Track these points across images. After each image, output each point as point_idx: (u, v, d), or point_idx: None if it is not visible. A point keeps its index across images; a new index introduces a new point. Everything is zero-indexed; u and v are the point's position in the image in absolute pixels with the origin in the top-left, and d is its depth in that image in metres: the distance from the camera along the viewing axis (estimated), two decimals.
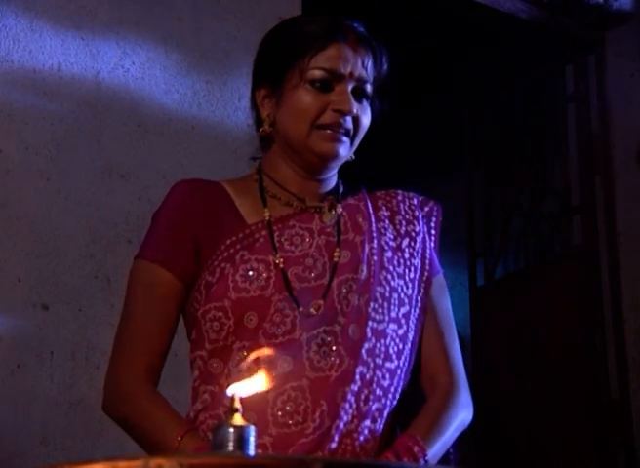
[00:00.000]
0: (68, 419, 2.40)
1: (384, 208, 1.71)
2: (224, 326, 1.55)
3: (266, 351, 1.05)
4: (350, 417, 1.53)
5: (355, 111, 1.61)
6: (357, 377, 1.54)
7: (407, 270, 1.66)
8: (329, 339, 1.55)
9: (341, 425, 1.52)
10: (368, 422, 1.54)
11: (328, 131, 1.60)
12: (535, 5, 3.71)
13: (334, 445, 1.50)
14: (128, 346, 1.58)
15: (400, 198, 1.74)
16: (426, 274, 1.68)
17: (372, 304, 1.59)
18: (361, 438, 1.53)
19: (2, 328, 2.37)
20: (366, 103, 1.64)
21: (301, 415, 1.51)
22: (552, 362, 3.82)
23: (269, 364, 1.52)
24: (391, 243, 1.67)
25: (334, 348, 1.54)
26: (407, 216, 1.71)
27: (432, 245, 1.72)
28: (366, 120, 1.64)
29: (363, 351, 1.55)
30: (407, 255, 1.67)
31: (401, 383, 1.60)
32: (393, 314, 1.60)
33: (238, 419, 0.98)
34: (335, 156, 1.61)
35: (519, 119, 4.29)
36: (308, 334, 1.54)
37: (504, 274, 4.30)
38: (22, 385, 2.36)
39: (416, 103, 4.42)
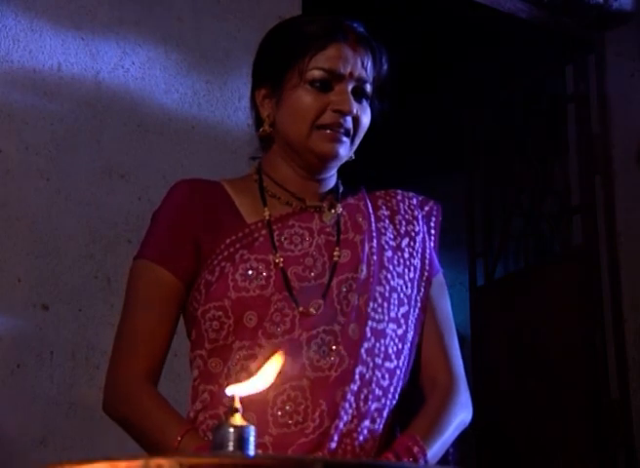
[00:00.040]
0: (68, 419, 2.40)
1: (384, 207, 1.71)
2: (224, 325, 1.55)
3: (279, 359, 1.05)
4: (350, 417, 1.53)
5: (355, 111, 1.61)
6: (357, 377, 1.54)
7: (406, 270, 1.66)
8: (328, 339, 1.55)
9: (341, 425, 1.52)
10: (367, 422, 1.55)
11: (328, 131, 1.60)
12: (535, 5, 3.71)
13: (333, 445, 1.50)
14: (128, 346, 1.58)
15: (400, 198, 1.74)
16: (426, 274, 1.68)
17: (371, 304, 1.59)
18: (361, 438, 1.53)
19: (2, 328, 2.37)
20: (366, 103, 1.64)
21: (301, 415, 1.51)
22: (552, 362, 3.82)
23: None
24: (391, 242, 1.67)
25: (333, 348, 1.54)
26: (407, 216, 1.71)
27: (432, 244, 1.72)
28: (366, 120, 1.64)
29: (362, 351, 1.55)
30: (407, 255, 1.67)
31: (400, 383, 1.60)
32: (393, 314, 1.60)
33: (238, 419, 0.98)
34: (335, 156, 1.62)
35: (519, 119, 4.28)
36: (308, 334, 1.54)
37: (504, 274, 4.30)
38: (22, 385, 2.36)
39: (416, 103, 4.41)
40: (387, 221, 1.69)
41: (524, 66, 4.17)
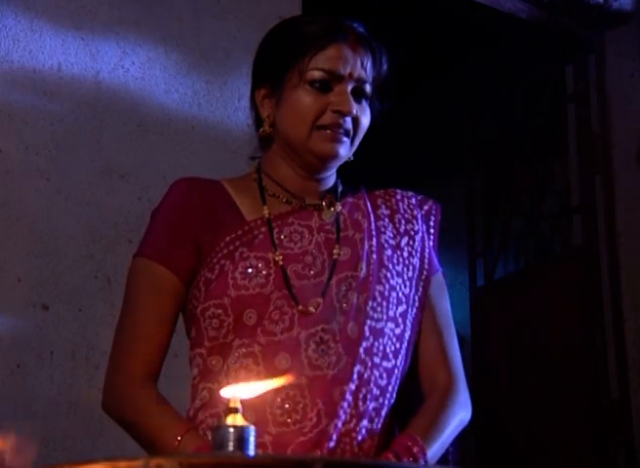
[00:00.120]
0: (68, 419, 2.40)
1: (384, 206, 1.72)
2: (224, 323, 1.56)
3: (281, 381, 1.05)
4: (348, 417, 1.53)
5: (355, 112, 1.61)
6: (355, 376, 1.54)
7: (405, 269, 1.66)
8: (327, 337, 1.55)
9: (340, 424, 1.52)
10: (366, 422, 1.55)
11: (328, 131, 1.60)
12: (535, 5, 3.71)
13: (332, 444, 1.51)
14: (127, 345, 1.58)
15: (399, 197, 1.74)
16: (425, 273, 1.68)
17: (370, 303, 1.59)
18: (359, 437, 1.54)
19: (2, 328, 2.37)
20: (365, 104, 1.64)
21: (300, 414, 1.51)
22: (552, 362, 3.82)
23: (267, 361, 1.53)
24: (391, 241, 1.67)
25: (332, 346, 1.55)
26: (406, 215, 1.71)
27: (431, 244, 1.73)
28: (365, 120, 1.64)
29: (361, 350, 1.56)
30: (406, 254, 1.67)
31: (398, 382, 1.61)
32: (391, 313, 1.61)
33: (238, 419, 0.98)
34: (335, 156, 1.62)
35: (519, 119, 4.28)
36: (307, 332, 1.55)
37: (504, 274, 4.30)
38: (22, 385, 2.36)
39: (416, 103, 4.42)
40: (387, 220, 1.70)
41: (524, 66, 4.17)
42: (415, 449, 1.53)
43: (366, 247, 1.63)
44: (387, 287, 1.61)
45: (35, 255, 2.44)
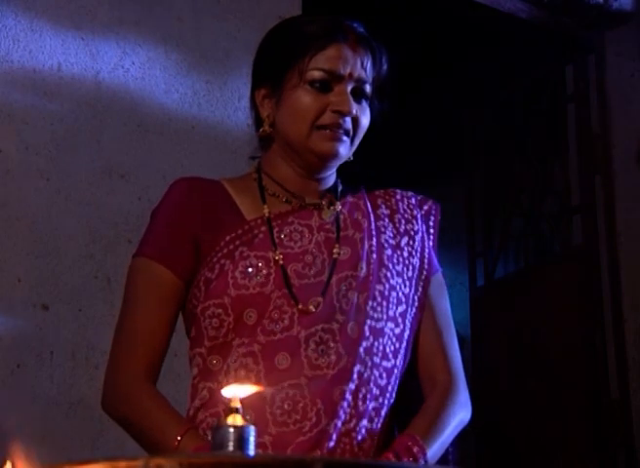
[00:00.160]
0: (68, 419, 2.40)
1: (384, 206, 1.72)
2: (224, 322, 1.56)
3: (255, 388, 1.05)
4: (348, 416, 1.53)
5: (354, 112, 1.61)
6: (355, 376, 1.54)
7: (405, 268, 1.66)
8: (327, 337, 1.55)
9: (339, 424, 1.52)
10: (365, 421, 1.55)
11: (328, 131, 1.60)
12: (535, 5, 3.71)
13: (332, 444, 1.51)
14: (127, 344, 1.58)
15: (399, 197, 1.74)
16: (425, 273, 1.69)
17: (370, 302, 1.59)
18: (359, 437, 1.54)
19: (2, 328, 2.37)
20: (365, 104, 1.64)
21: (299, 414, 1.51)
22: (552, 362, 3.82)
23: (267, 360, 1.53)
24: (391, 241, 1.67)
25: (332, 346, 1.55)
26: (406, 215, 1.72)
27: (431, 244, 1.73)
28: (365, 120, 1.64)
29: (361, 349, 1.56)
30: (406, 254, 1.67)
31: (397, 382, 1.61)
32: (391, 313, 1.61)
33: (238, 419, 0.98)
34: (335, 155, 1.62)
35: (519, 119, 4.28)
36: (306, 332, 1.55)
37: (504, 274, 4.30)
38: (22, 385, 2.36)
39: (416, 103, 4.42)
40: (387, 220, 1.70)
41: (524, 66, 4.17)
42: (415, 449, 1.53)
43: (366, 246, 1.63)
44: (387, 286, 1.62)
45: (35, 255, 2.44)
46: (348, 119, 1.61)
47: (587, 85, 3.92)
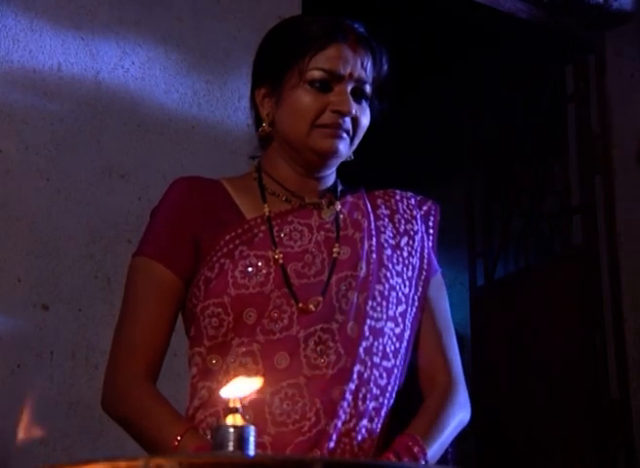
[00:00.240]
0: (68, 419, 2.40)
1: (383, 206, 1.72)
2: (224, 322, 1.56)
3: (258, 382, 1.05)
4: (348, 416, 1.53)
5: (354, 112, 1.61)
6: (355, 376, 1.54)
7: (405, 268, 1.66)
8: (326, 337, 1.55)
9: (339, 424, 1.52)
10: (365, 421, 1.55)
11: (327, 129, 1.60)
12: (535, 5, 3.71)
13: (332, 444, 1.51)
14: (127, 344, 1.58)
15: (398, 197, 1.74)
16: (424, 273, 1.69)
17: (370, 302, 1.59)
18: (359, 437, 1.54)
19: (2, 328, 2.37)
20: (365, 104, 1.64)
21: (298, 414, 1.51)
22: (552, 362, 3.82)
23: (266, 360, 1.53)
24: (390, 241, 1.67)
25: (331, 346, 1.55)
26: (405, 215, 1.72)
27: (430, 244, 1.73)
28: (365, 121, 1.64)
29: (361, 349, 1.56)
30: (405, 254, 1.67)
31: (397, 382, 1.61)
32: (391, 312, 1.61)
33: (238, 419, 0.98)
34: (335, 152, 1.61)
35: (519, 119, 4.28)
36: (306, 332, 1.55)
37: (504, 274, 4.30)
38: (22, 385, 2.36)
39: (416, 103, 4.41)
40: (387, 220, 1.70)
41: (524, 66, 4.17)
42: (415, 449, 1.53)
43: (366, 246, 1.63)
44: (387, 286, 1.62)
45: (35, 255, 2.44)
46: (348, 119, 1.61)
47: (587, 85, 3.92)
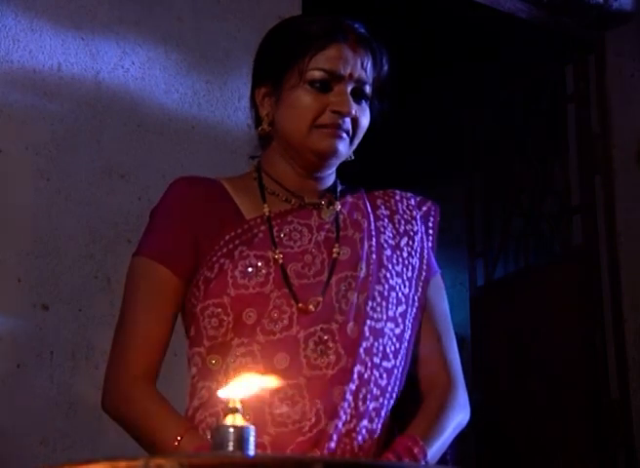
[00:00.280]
0: (68, 419, 2.40)
1: (383, 207, 1.72)
2: (223, 322, 1.55)
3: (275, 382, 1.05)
4: (349, 417, 1.53)
5: (354, 112, 1.61)
6: (355, 376, 1.54)
7: (405, 269, 1.66)
8: (326, 337, 1.55)
9: (340, 425, 1.52)
10: (366, 422, 1.55)
11: (327, 129, 1.60)
12: (535, 5, 3.71)
13: (333, 444, 1.51)
14: (127, 344, 1.58)
15: (398, 198, 1.74)
16: (424, 274, 1.69)
17: (370, 303, 1.59)
18: (359, 437, 1.54)
19: (2, 328, 2.37)
20: (365, 104, 1.64)
21: (299, 414, 1.51)
22: (552, 362, 3.82)
23: (266, 360, 1.53)
24: (390, 241, 1.67)
25: (331, 346, 1.55)
26: (405, 216, 1.72)
27: (430, 245, 1.73)
28: (365, 121, 1.64)
29: (361, 350, 1.56)
30: (405, 254, 1.67)
31: (397, 383, 1.61)
32: (391, 313, 1.61)
33: (238, 419, 0.98)
34: (334, 152, 1.61)
35: (519, 119, 4.28)
36: (305, 332, 1.55)
37: (504, 274, 4.30)
38: (22, 385, 2.36)
39: (416, 103, 4.41)
40: (386, 220, 1.70)
41: (524, 66, 4.17)
42: (415, 450, 1.53)
43: (365, 247, 1.63)
44: (387, 287, 1.62)
45: (35, 255, 2.44)
46: (348, 119, 1.61)
47: (587, 85, 3.92)
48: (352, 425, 1.53)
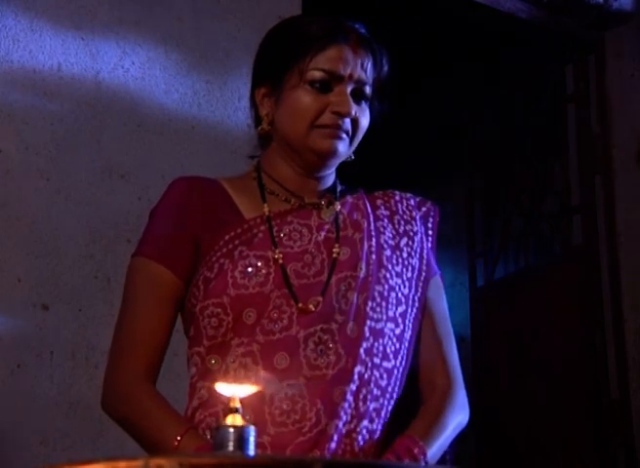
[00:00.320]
0: (68, 419, 2.40)
1: (383, 207, 1.72)
2: (223, 322, 1.55)
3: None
4: (349, 417, 1.53)
5: (354, 113, 1.61)
6: (355, 377, 1.54)
7: (405, 269, 1.66)
8: (326, 337, 1.55)
9: (340, 425, 1.52)
10: (366, 422, 1.55)
11: (327, 129, 1.60)
12: (535, 5, 3.71)
13: (333, 445, 1.51)
14: (126, 344, 1.58)
15: (398, 198, 1.74)
16: (424, 274, 1.69)
17: (370, 303, 1.59)
18: (360, 438, 1.54)
19: (2, 328, 2.37)
20: (365, 105, 1.64)
21: (299, 414, 1.51)
22: (552, 362, 3.82)
23: (266, 360, 1.53)
24: (390, 241, 1.67)
25: (331, 346, 1.55)
26: (405, 216, 1.72)
27: (429, 245, 1.73)
28: (364, 122, 1.64)
29: (361, 350, 1.55)
30: (405, 255, 1.67)
31: (398, 383, 1.61)
32: (391, 313, 1.61)
33: (238, 419, 0.98)
34: (334, 153, 1.61)
35: (519, 119, 4.28)
36: (305, 332, 1.55)
37: (504, 274, 4.30)
38: (22, 385, 2.36)
39: (416, 103, 4.41)
40: (386, 221, 1.70)
41: (524, 66, 4.17)
42: (415, 450, 1.53)
43: (365, 247, 1.63)
44: (387, 287, 1.61)
45: (35, 255, 2.44)
46: (347, 120, 1.61)
47: (587, 85, 3.92)
48: (353, 425, 1.53)
